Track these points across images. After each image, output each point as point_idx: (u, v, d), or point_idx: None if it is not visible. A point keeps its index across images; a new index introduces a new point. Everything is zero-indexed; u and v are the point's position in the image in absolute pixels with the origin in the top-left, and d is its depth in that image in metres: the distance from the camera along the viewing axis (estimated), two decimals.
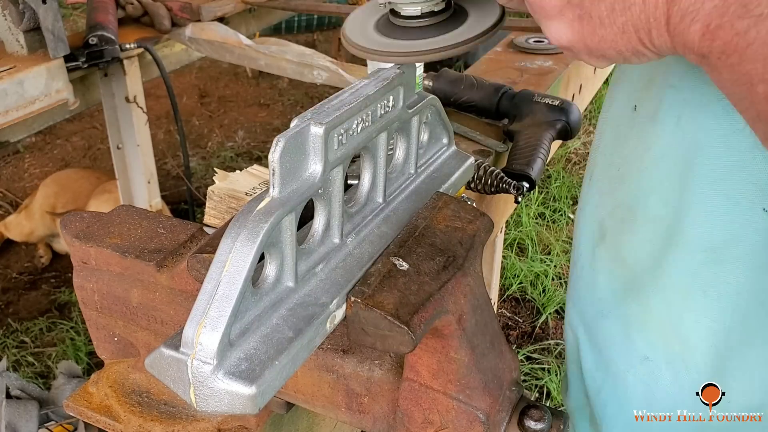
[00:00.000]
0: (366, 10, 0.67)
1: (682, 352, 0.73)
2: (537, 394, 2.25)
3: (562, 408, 0.67)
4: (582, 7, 0.48)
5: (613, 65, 0.82)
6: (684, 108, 0.67)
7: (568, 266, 2.78)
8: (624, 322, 0.78)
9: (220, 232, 0.59)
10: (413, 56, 0.61)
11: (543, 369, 2.34)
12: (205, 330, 0.43)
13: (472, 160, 0.74)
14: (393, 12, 0.63)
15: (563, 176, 3.34)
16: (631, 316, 0.77)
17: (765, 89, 0.42)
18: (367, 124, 0.55)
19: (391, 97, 0.58)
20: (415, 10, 0.61)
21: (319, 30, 4.45)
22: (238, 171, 1.05)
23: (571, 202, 3.18)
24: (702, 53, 0.46)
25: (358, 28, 0.65)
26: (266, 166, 0.53)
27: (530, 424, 0.57)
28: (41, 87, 1.67)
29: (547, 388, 2.25)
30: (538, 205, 3.09)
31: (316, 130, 0.49)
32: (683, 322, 0.72)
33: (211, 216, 1.01)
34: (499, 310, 2.58)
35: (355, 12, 0.67)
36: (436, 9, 0.62)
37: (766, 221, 0.64)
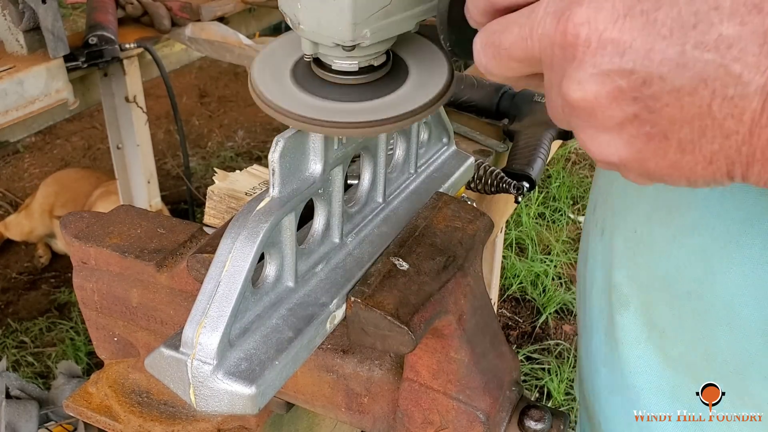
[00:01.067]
0: (278, 50, 0.54)
1: None
2: (537, 394, 2.25)
3: (562, 408, 0.66)
4: (655, 125, 0.37)
5: None
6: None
7: (569, 266, 2.78)
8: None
9: (220, 232, 0.59)
10: (353, 128, 0.48)
11: (543, 369, 2.34)
12: (205, 330, 0.43)
13: (472, 160, 0.74)
14: (318, 62, 0.51)
15: (563, 176, 3.34)
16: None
17: None
18: None
19: None
20: (351, 65, 0.49)
21: None
22: (238, 171, 1.05)
23: (571, 202, 3.18)
24: None
25: (270, 74, 0.53)
26: (266, 166, 0.53)
27: (530, 424, 0.57)
28: (41, 87, 1.67)
29: (547, 388, 2.25)
30: (538, 205, 3.09)
31: None
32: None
33: (211, 216, 1.01)
34: (499, 310, 2.58)
35: (264, 52, 0.54)
36: (375, 63, 0.51)
37: None
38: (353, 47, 0.47)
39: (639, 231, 0.66)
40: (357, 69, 0.50)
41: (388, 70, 0.52)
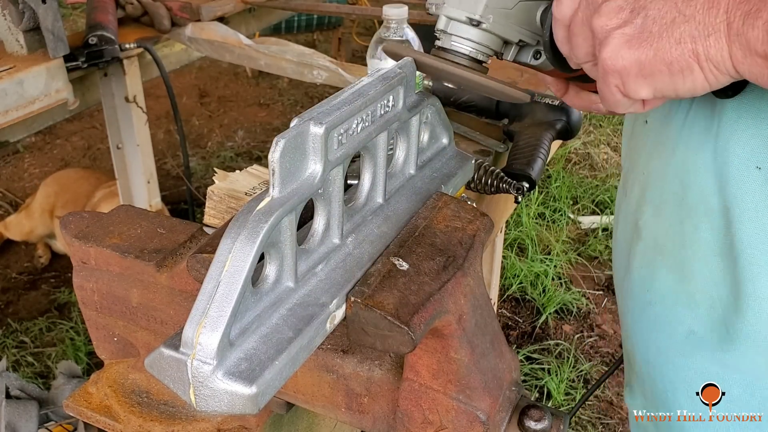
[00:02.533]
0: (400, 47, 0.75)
1: None
2: (537, 394, 2.25)
3: (562, 408, 0.67)
4: (644, 23, 0.52)
5: None
6: None
7: (569, 266, 2.79)
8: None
9: (220, 232, 0.59)
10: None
11: (543, 369, 2.34)
12: (205, 330, 0.43)
13: (472, 160, 0.74)
14: (442, 49, 0.73)
15: (563, 176, 3.34)
16: None
17: None
18: (367, 124, 0.55)
19: (391, 97, 0.58)
20: (466, 47, 0.72)
21: (319, 30, 4.44)
22: (237, 171, 1.05)
23: (571, 202, 3.18)
24: (766, 51, 0.46)
25: (402, 50, 0.72)
26: (266, 166, 0.53)
27: (530, 424, 0.57)
28: (41, 87, 1.67)
29: (547, 388, 2.25)
30: (538, 205, 3.09)
31: (316, 130, 0.49)
32: None
33: (211, 216, 1.01)
34: (499, 310, 2.58)
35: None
36: (480, 58, 0.72)
37: None
38: (479, 23, 0.69)
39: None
40: (468, 53, 0.71)
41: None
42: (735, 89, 0.59)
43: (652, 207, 0.73)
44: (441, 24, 0.72)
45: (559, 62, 0.65)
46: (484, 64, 0.73)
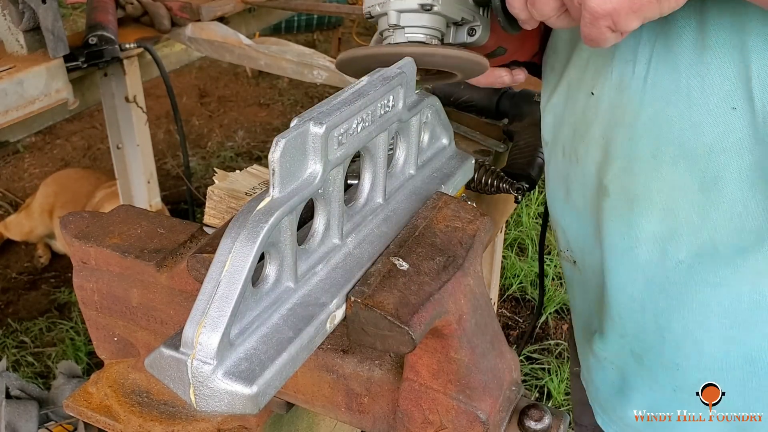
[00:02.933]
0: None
1: None
2: (537, 394, 2.25)
3: (562, 408, 0.67)
4: None
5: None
6: None
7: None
8: None
9: (220, 232, 0.59)
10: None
11: (543, 369, 2.34)
12: (205, 330, 0.43)
13: (472, 160, 0.74)
14: (396, 45, 0.75)
15: None
16: None
17: None
18: (367, 124, 0.55)
19: (391, 97, 0.58)
20: (418, 35, 0.74)
21: (319, 30, 4.45)
22: (238, 171, 1.06)
23: None
24: None
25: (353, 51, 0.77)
26: (266, 166, 0.53)
27: (530, 424, 0.57)
28: (41, 87, 1.67)
29: (547, 388, 2.26)
30: (538, 205, 3.09)
31: (316, 130, 0.49)
32: None
33: (211, 216, 1.01)
34: (499, 310, 2.58)
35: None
36: (433, 43, 0.74)
37: None
38: (431, 7, 0.71)
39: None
40: (423, 40, 0.73)
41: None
42: None
43: (619, 165, 0.76)
44: (392, 19, 0.74)
45: (510, 24, 0.70)
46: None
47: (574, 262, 0.90)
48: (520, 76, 0.86)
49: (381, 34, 0.76)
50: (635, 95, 0.73)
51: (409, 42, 0.74)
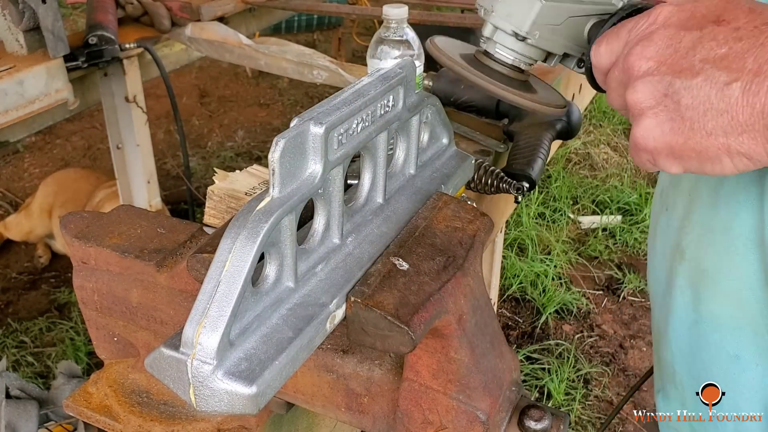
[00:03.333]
0: (449, 42, 0.81)
1: None
2: (537, 394, 2.25)
3: (562, 408, 0.67)
4: (677, 108, 0.53)
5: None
6: None
7: (569, 266, 2.79)
8: None
9: (220, 232, 0.59)
10: (508, 93, 0.76)
11: (543, 369, 2.34)
12: (205, 330, 0.43)
13: (472, 160, 0.74)
14: (486, 53, 0.78)
15: (563, 176, 3.34)
16: None
17: None
18: (367, 124, 0.55)
19: (391, 97, 0.58)
20: (509, 57, 0.76)
21: (319, 30, 4.44)
22: (237, 171, 1.05)
23: (571, 202, 3.18)
24: None
25: (449, 49, 0.79)
26: (266, 166, 0.53)
27: (530, 424, 0.57)
28: (41, 87, 1.67)
29: (547, 388, 2.25)
30: (538, 205, 3.09)
31: (316, 130, 0.49)
32: None
33: (211, 216, 1.01)
34: (499, 310, 2.58)
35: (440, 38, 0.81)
36: (522, 67, 0.77)
37: None
38: (524, 39, 0.72)
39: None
40: (510, 62, 0.76)
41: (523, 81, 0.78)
42: None
43: (698, 231, 0.73)
44: (487, 31, 0.75)
45: (598, 87, 0.67)
46: (525, 72, 0.77)
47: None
48: None
49: (482, 30, 0.77)
50: None
51: (490, 65, 0.76)
